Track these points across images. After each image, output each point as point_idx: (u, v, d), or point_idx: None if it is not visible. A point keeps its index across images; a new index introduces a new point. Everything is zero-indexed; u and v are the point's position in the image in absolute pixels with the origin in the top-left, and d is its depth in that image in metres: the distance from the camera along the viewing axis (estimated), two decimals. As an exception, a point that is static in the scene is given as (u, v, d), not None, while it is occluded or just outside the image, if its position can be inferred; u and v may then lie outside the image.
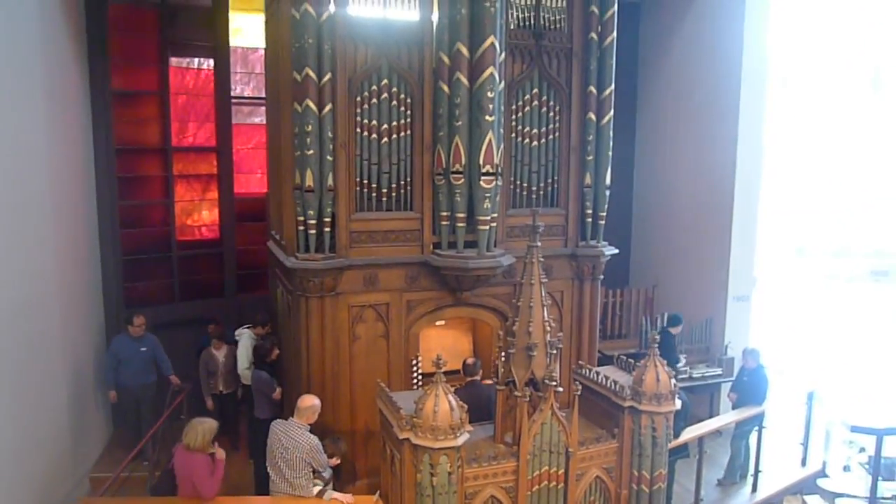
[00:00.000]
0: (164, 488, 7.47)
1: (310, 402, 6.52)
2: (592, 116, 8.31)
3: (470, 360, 7.63)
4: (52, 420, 7.82)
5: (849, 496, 9.81)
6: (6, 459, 6.63)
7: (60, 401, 8.09)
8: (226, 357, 9.21)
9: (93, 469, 8.88)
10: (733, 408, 8.99)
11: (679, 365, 9.89)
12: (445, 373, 5.53)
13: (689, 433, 8.07)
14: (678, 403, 6.23)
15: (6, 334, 6.67)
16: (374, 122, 7.49)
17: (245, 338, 8.92)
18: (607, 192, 8.51)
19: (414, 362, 8.05)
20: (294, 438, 6.25)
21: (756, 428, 8.78)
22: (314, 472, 6.33)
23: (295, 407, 6.54)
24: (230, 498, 6.78)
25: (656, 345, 6.15)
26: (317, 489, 6.28)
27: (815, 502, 9.75)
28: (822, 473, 9.68)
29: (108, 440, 9.74)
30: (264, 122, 11.01)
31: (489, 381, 7.31)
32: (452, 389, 5.53)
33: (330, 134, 7.16)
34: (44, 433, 7.56)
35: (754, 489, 8.73)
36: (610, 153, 8.43)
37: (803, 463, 9.29)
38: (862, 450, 10.51)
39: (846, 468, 10.46)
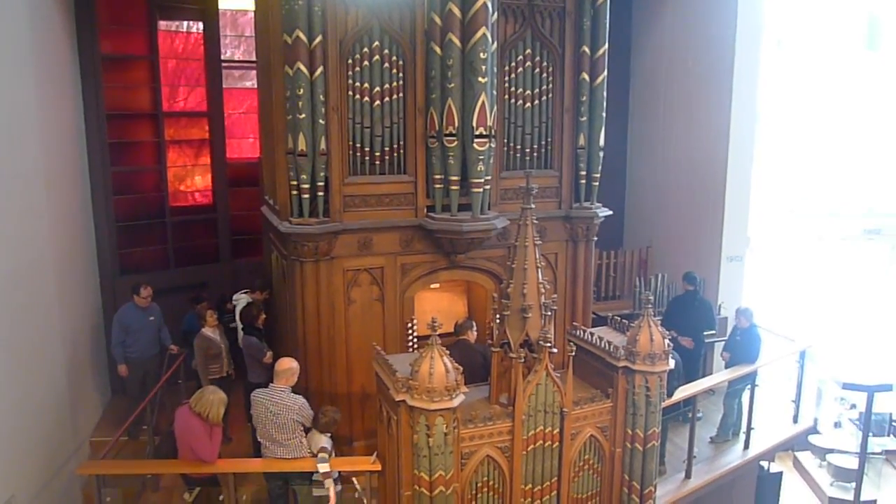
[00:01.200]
0: (165, 452, 7.55)
1: (287, 364, 6.55)
2: (586, 77, 8.26)
3: (460, 320, 7.70)
4: (50, 385, 7.88)
5: (840, 451, 9.99)
6: (7, 424, 6.69)
7: (58, 367, 8.14)
8: (221, 336, 8.48)
9: (93, 433, 8.96)
10: (726, 367, 9.07)
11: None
12: (441, 335, 5.57)
13: (683, 392, 8.16)
14: (671, 363, 6.29)
15: (2, 302, 6.68)
16: (367, 84, 7.43)
17: (243, 302, 8.92)
18: (601, 154, 8.49)
19: (409, 325, 8.09)
20: (280, 402, 6.31)
21: (749, 386, 8.88)
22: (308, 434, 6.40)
23: (274, 372, 6.57)
24: (230, 460, 6.86)
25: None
26: (324, 467, 6.27)
27: (807, 458, 9.91)
28: (814, 430, 9.83)
29: (106, 405, 9.82)
30: (255, 86, 10.91)
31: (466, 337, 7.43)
32: (447, 351, 5.57)
33: (322, 97, 7.11)
34: (43, 398, 7.62)
35: (746, 446, 8.84)
36: (604, 114, 8.40)
37: (795, 420, 9.42)
38: (853, 406, 10.67)
39: (837, 424, 10.64)
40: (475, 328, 7.59)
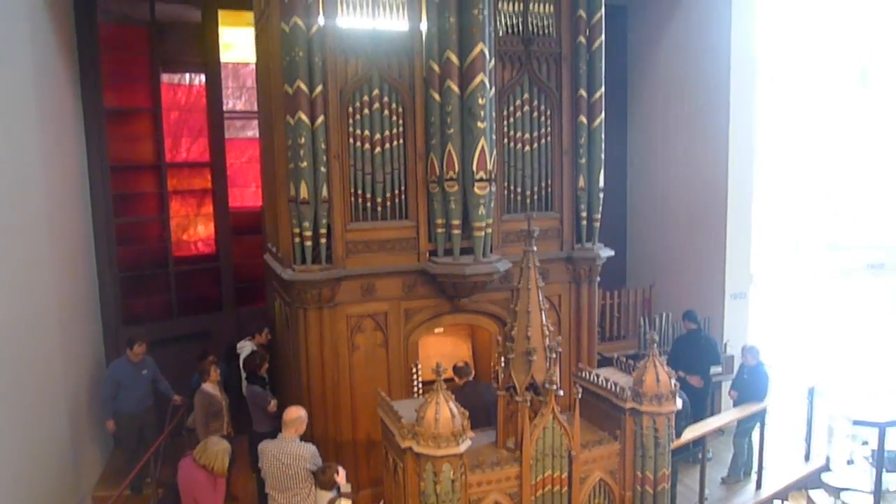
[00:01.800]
0: (169, 504, 7.47)
1: (295, 413, 6.49)
2: (584, 119, 8.35)
3: (460, 364, 7.71)
4: (52, 438, 7.81)
5: (853, 490, 9.82)
6: (8, 478, 6.61)
7: (61, 418, 8.08)
8: (222, 392, 8.20)
9: (95, 487, 8.86)
10: (734, 405, 8.99)
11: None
12: (446, 380, 5.53)
13: (691, 432, 8.08)
14: (679, 403, 6.24)
15: (4, 353, 6.66)
16: (367, 132, 7.52)
17: (247, 350, 8.90)
18: (601, 195, 8.55)
19: (414, 370, 8.05)
20: (292, 453, 6.23)
21: (758, 425, 8.79)
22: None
23: (282, 421, 6.50)
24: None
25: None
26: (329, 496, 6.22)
27: (820, 497, 9.74)
28: (826, 468, 9.68)
29: (109, 458, 9.72)
30: (257, 135, 11.03)
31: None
32: (453, 396, 5.54)
33: (323, 145, 7.19)
34: (45, 451, 7.54)
35: (758, 486, 8.73)
36: (602, 155, 8.48)
37: (806, 458, 9.30)
38: (865, 443, 10.51)
39: (850, 462, 10.46)
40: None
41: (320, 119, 7.14)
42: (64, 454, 8.08)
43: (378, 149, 7.56)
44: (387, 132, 7.59)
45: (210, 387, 8.04)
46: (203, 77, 11.20)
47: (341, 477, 6.26)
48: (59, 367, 8.10)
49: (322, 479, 6.25)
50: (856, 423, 9.41)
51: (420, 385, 8.09)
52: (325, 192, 7.23)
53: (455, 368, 7.63)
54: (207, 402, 7.95)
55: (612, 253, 8.76)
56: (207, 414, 7.94)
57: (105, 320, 10.25)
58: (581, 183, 8.45)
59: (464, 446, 5.36)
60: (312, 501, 6.25)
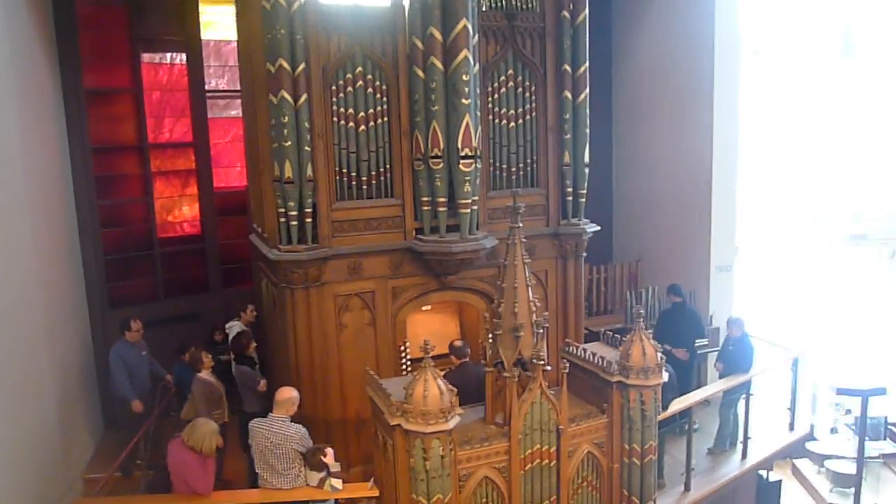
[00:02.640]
0: (160, 486, 7.47)
1: (287, 394, 6.49)
2: (568, 95, 8.32)
3: (458, 343, 7.64)
4: (41, 422, 7.79)
5: (837, 457, 9.99)
6: (-2, 463, 6.61)
7: (49, 402, 8.05)
8: (216, 379, 8.00)
9: (86, 469, 8.86)
10: (720, 377, 9.09)
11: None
12: (434, 357, 5.56)
13: (678, 404, 8.16)
14: (665, 376, 6.30)
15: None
16: (351, 110, 7.46)
17: (236, 329, 8.89)
18: (586, 170, 8.55)
19: (402, 348, 8.08)
20: (281, 432, 6.24)
21: (743, 395, 8.89)
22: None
23: (274, 401, 6.50)
24: (225, 492, 6.79)
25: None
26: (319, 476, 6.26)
27: (805, 465, 9.91)
28: (811, 437, 9.83)
29: (99, 440, 9.72)
30: (241, 114, 10.94)
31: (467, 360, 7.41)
32: (443, 373, 5.56)
33: (307, 124, 7.13)
34: (33, 435, 7.52)
35: (744, 455, 8.84)
36: (587, 131, 8.46)
37: (791, 427, 9.42)
38: (848, 411, 10.69)
39: (833, 430, 10.65)
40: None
41: (303, 97, 7.08)
42: (53, 438, 8.07)
43: (362, 127, 7.51)
44: (371, 110, 7.53)
45: (206, 374, 7.91)
46: (184, 56, 11.06)
47: (329, 457, 6.28)
48: (45, 352, 8.06)
49: (310, 462, 6.28)
50: (839, 391, 9.56)
51: (408, 363, 8.12)
52: (309, 172, 7.19)
53: (452, 347, 7.47)
54: (208, 390, 7.83)
55: (598, 228, 8.78)
56: (209, 402, 7.81)
57: (91, 304, 10.19)
58: (566, 158, 8.44)
59: (452, 423, 5.41)
60: (302, 481, 6.28)
